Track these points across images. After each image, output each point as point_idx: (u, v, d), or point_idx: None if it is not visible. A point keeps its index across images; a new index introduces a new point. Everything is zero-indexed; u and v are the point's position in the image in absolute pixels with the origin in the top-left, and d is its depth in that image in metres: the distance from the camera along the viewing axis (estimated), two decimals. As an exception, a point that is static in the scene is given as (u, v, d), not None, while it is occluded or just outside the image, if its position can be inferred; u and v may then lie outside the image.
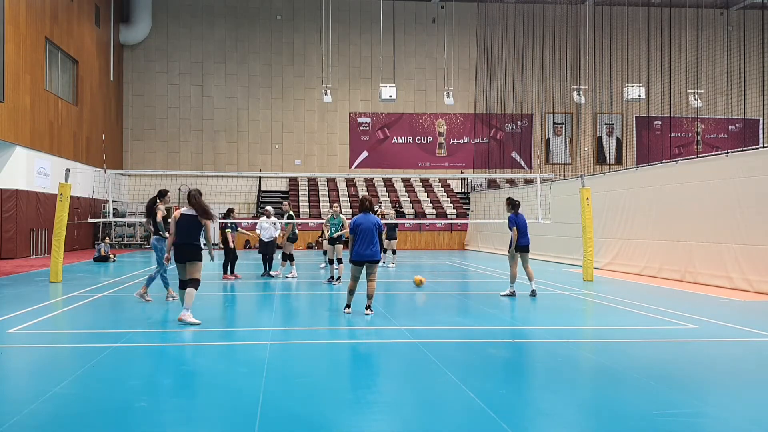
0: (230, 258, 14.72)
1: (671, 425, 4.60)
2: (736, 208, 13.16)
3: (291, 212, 16.02)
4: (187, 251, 8.50)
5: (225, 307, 10.75)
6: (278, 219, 15.79)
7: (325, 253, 18.09)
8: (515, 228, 11.58)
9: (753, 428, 4.58)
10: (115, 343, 7.24)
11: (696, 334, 8.15)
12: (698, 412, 4.95)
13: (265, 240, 14.84)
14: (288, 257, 14.98)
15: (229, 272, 14.66)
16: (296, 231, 15.47)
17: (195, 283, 8.49)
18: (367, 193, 32.46)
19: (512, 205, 11.87)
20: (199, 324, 8.27)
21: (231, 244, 14.70)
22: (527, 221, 12.01)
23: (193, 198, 8.54)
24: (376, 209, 29.95)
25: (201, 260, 8.60)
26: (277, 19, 34.31)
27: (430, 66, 35.17)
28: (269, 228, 14.83)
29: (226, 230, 14.76)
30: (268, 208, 15.34)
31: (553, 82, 31.53)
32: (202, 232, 8.66)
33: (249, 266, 18.12)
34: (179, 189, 27.46)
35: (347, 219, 14.09)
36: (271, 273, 15.10)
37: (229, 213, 15.78)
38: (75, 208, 24.41)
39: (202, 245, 8.71)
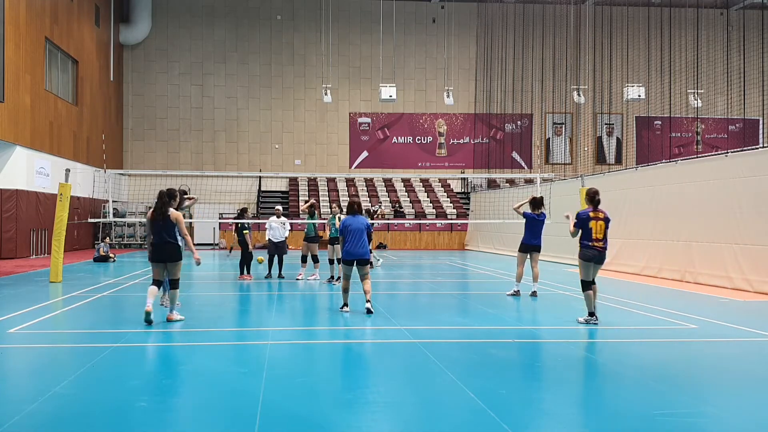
0: (247, 258, 14.62)
1: (671, 425, 4.60)
2: (736, 208, 13.16)
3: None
4: (168, 250, 8.49)
5: (225, 307, 10.74)
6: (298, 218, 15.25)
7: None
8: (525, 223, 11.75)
9: (753, 428, 4.58)
10: (115, 343, 7.24)
11: (696, 334, 8.15)
12: (698, 412, 4.95)
13: (276, 241, 14.63)
14: (315, 258, 14.69)
15: (245, 272, 14.61)
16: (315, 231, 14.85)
17: (178, 283, 8.65)
18: (357, 197, 32.49)
19: (531, 203, 11.91)
20: (183, 319, 8.64)
21: (250, 246, 14.63)
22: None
23: (159, 198, 8.66)
24: (376, 209, 30.06)
25: (181, 259, 8.67)
26: (277, 19, 34.30)
27: (430, 66, 35.16)
28: (278, 228, 14.69)
29: (244, 231, 14.69)
30: (278, 207, 15.14)
31: (553, 82, 31.53)
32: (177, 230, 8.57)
33: (253, 267, 18.06)
34: (179, 189, 27.46)
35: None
36: (298, 278, 14.57)
37: (242, 213, 15.72)
38: (75, 208, 24.41)
39: (182, 244, 8.73)
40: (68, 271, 15.58)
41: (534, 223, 11.70)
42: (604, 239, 8.76)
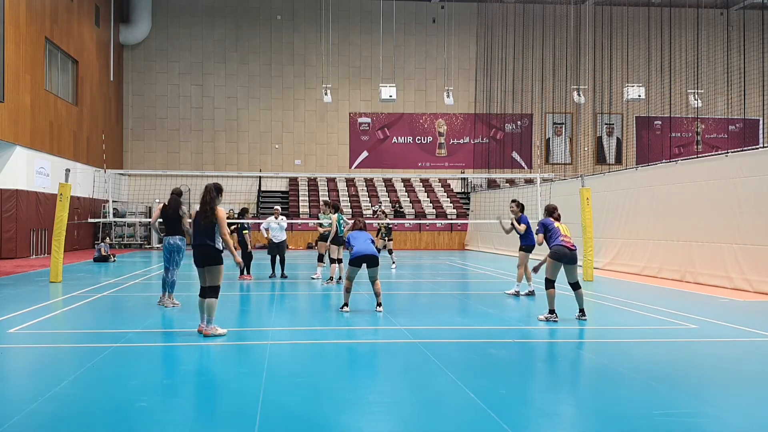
0: (247, 258, 14.61)
1: (671, 425, 4.60)
2: (736, 208, 13.16)
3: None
4: (205, 253, 7.60)
5: (225, 308, 10.73)
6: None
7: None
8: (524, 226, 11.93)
9: (753, 428, 4.58)
10: (115, 343, 7.24)
11: (696, 334, 8.15)
12: (698, 412, 4.96)
13: (276, 241, 14.60)
14: (320, 257, 14.60)
15: (245, 272, 14.62)
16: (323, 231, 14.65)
17: (215, 291, 7.61)
18: (357, 197, 32.54)
19: (521, 207, 12.08)
20: (225, 334, 7.64)
21: (249, 246, 14.65)
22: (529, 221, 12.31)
23: (206, 193, 7.69)
24: (376, 209, 30.02)
25: (221, 263, 7.64)
26: (277, 19, 34.30)
27: (430, 66, 35.16)
28: (277, 228, 14.64)
29: (243, 231, 14.71)
30: (277, 207, 15.17)
31: (553, 82, 31.52)
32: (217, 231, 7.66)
33: (257, 266, 18.07)
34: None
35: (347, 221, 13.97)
36: (312, 276, 14.59)
37: (243, 213, 15.73)
38: (75, 208, 24.40)
39: (221, 247, 7.72)
40: (68, 271, 15.57)
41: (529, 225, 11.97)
42: (571, 239, 9.07)
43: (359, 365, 6.74)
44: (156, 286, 11.61)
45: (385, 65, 33.68)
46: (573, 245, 8.94)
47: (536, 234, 9.34)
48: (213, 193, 7.64)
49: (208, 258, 7.56)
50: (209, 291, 7.58)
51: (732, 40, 27.93)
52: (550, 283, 8.97)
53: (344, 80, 34.48)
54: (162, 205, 9.93)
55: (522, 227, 11.81)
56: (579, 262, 10.14)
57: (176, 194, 9.88)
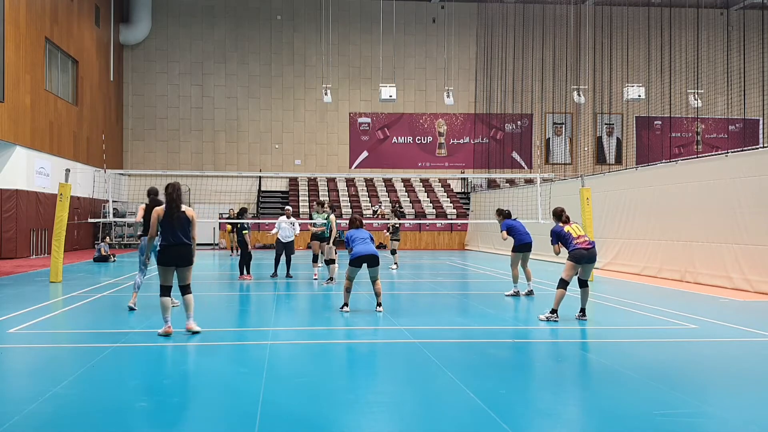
0: (246, 258, 14.64)
1: (671, 425, 4.60)
2: (736, 208, 13.16)
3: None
4: (185, 252, 7.62)
5: (225, 308, 10.74)
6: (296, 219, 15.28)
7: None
8: (506, 231, 12.00)
9: (753, 428, 4.58)
10: (115, 343, 7.24)
11: (696, 334, 8.15)
12: (698, 412, 4.96)
13: (284, 241, 14.64)
14: (315, 258, 14.62)
15: (245, 272, 14.62)
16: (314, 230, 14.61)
17: (190, 288, 7.80)
18: (357, 198, 32.54)
19: (502, 214, 12.23)
20: (200, 332, 7.75)
21: (249, 246, 14.65)
22: (523, 222, 12.48)
23: (173, 190, 7.63)
24: (376, 209, 29.98)
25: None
26: (277, 19, 34.30)
27: (430, 66, 35.15)
28: (287, 228, 14.66)
29: (244, 231, 14.71)
30: (288, 207, 15.18)
31: (553, 82, 31.51)
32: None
33: (257, 266, 18.06)
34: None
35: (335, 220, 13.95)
36: (314, 278, 14.54)
37: (242, 213, 15.73)
38: (75, 208, 24.40)
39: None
40: (68, 271, 15.57)
41: (518, 226, 11.98)
42: (586, 236, 9.08)
43: (359, 365, 6.74)
44: (156, 286, 11.59)
45: (385, 65, 33.68)
46: (589, 243, 8.93)
47: (552, 245, 9.23)
48: (179, 191, 7.66)
49: (186, 257, 7.64)
50: (187, 288, 7.75)
51: (732, 40, 27.90)
52: (563, 283, 8.94)
53: (344, 80, 34.47)
54: (144, 206, 9.52)
55: (503, 234, 11.95)
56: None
57: (155, 194, 9.49)
